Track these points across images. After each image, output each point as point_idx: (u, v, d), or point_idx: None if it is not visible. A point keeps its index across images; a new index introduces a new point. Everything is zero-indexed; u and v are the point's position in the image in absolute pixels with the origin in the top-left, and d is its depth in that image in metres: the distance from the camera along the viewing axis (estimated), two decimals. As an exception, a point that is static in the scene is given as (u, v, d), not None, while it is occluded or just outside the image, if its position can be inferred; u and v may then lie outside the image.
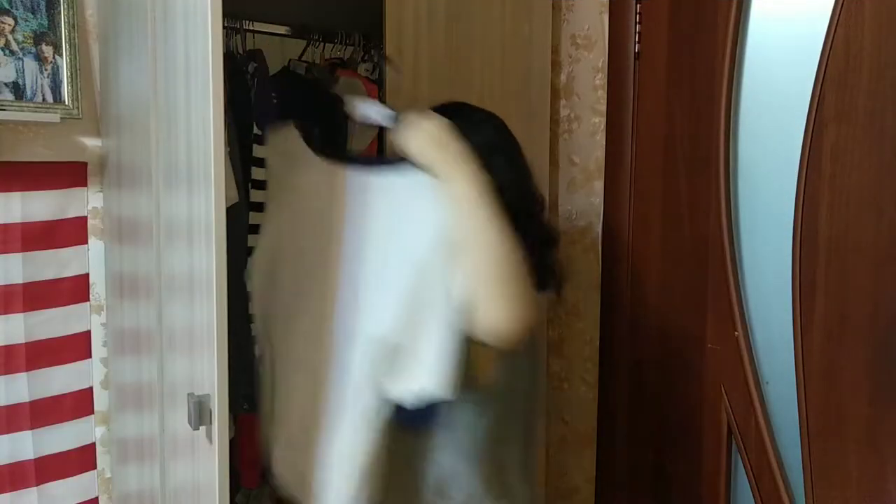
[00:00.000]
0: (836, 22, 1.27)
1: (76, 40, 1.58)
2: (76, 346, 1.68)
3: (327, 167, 1.23)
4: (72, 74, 1.57)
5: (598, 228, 1.81)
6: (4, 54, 1.50)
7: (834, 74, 1.28)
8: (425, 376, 0.98)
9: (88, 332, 1.70)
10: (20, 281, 1.58)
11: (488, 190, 1.00)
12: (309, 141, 1.30)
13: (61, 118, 1.56)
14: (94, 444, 1.72)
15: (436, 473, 1.12)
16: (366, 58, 1.93)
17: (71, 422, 1.68)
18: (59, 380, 1.66)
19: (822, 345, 1.32)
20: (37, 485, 1.63)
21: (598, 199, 1.81)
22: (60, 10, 1.55)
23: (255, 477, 1.85)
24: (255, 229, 1.69)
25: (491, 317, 0.95)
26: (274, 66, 1.85)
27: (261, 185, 1.71)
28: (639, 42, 1.69)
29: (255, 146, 1.68)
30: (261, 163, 1.73)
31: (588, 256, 1.84)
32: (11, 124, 1.55)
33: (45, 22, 1.54)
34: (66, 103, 1.57)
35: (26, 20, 1.52)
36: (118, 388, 1.67)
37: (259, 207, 1.71)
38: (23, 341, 1.60)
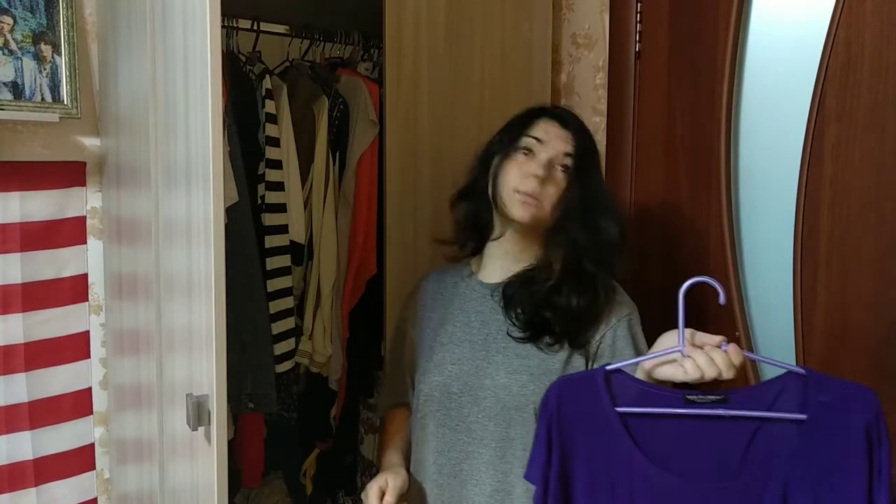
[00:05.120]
0: (837, 21, 1.27)
1: (75, 40, 1.57)
2: (75, 347, 1.68)
3: None
4: (70, 74, 1.57)
5: (598, 228, 1.80)
6: (3, 54, 1.50)
7: (835, 74, 1.28)
8: None
9: (87, 333, 1.70)
10: (19, 281, 1.58)
11: None
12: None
13: (60, 118, 1.56)
14: (93, 445, 1.72)
15: None
16: (365, 57, 1.93)
17: (70, 422, 1.68)
18: (58, 380, 1.66)
19: (824, 345, 1.31)
20: (36, 485, 1.63)
21: (598, 199, 1.81)
22: (59, 10, 1.55)
23: (256, 477, 1.85)
24: (260, 228, 1.69)
25: None
26: (274, 66, 1.85)
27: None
28: (639, 41, 1.68)
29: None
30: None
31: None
32: (10, 124, 1.55)
33: (44, 21, 1.54)
34: (65, 103, 1.57)
35: (25, 19, 1.52)
36: (117, 389, 1.67)
37: (268, 208, 1.71)
38: (21, 341, 1.59)
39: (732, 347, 1.01)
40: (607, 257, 1.22)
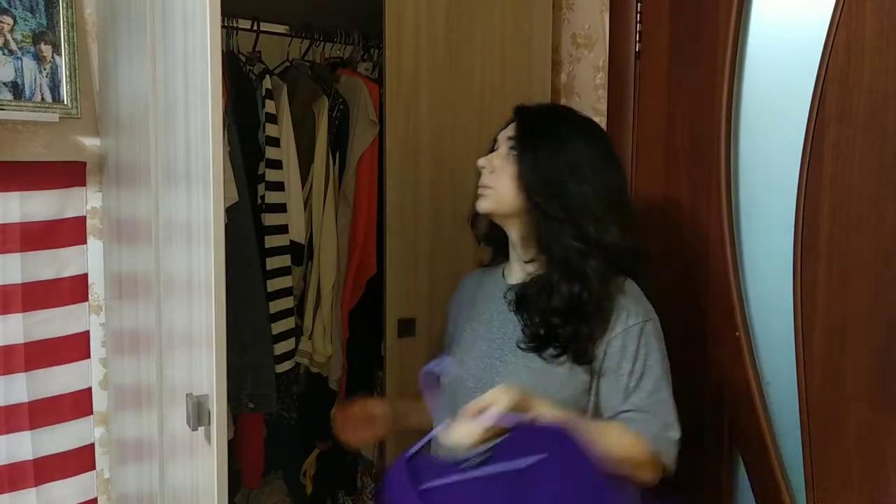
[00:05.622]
0: (837, 21, 1.27)
1: (75, 40, 1.57)
2: (75, 347, 1.68)
3: None
4: (70, 74, 1.57)
5: (598, 228, 1.80)
6: (3, 54, 1.50)
7: (835, 74, 1.28)
8: None
9: (87, 333, 1.70)
10: (19, 281, 1.58)
11: None
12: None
13: (60, 118, 1.56)
14: (93, 445, 1.72)
15: None
16: (365, 57, 1.93)
17: (70, 422, 1.68)
18: (58, 380, 1.66)
19: (824, 345, 1.31)
20: (36, 485, 1.63)
21: (598, 199, 1.80)
22: (59, 10, 1.55)
23: (256, 477, 1.85)
24: (260, 228, 1.69)
25: None
26: (274, 66, 1.85)
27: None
28: (639, 41, 1.68)
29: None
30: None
31: (588, 256, 1.83)
32: (10, 124, 1.55)
33: (44, 21, 1.54)
34: (65, 103, 1.57)
35: (25, 19, 1.52)
36: (117, 389, 1.67)
37: (268, 208, 1.71)
38: (21, 341, 1.59)
39: (484, 413, 1.05)
40: (586, 225, 1.17)
